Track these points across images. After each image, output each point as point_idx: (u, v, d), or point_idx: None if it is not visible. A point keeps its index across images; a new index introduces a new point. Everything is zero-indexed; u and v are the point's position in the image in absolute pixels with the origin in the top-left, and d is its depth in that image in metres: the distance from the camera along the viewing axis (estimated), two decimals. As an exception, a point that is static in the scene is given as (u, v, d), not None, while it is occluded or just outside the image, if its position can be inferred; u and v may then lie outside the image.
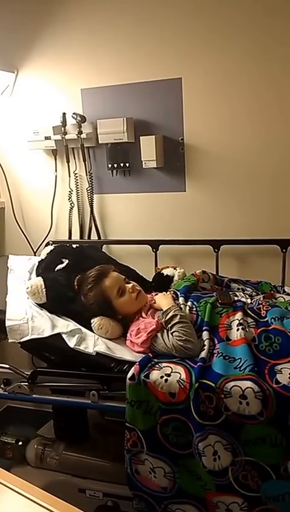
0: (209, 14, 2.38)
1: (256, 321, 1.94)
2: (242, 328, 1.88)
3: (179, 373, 1.73)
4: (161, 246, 2.67)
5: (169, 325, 1.90)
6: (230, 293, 2.18)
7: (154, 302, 2.10)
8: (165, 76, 2.53)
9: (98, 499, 2.16)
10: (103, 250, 2.75)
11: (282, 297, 2.20)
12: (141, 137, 2.56)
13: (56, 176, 2.87)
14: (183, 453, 1.74)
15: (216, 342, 1.87)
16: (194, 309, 2.02)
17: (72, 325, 2.06)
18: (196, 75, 2.48)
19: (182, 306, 2.02)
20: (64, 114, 2.67)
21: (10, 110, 2.90)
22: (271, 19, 2.30)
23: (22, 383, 2.03)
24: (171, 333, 1.87)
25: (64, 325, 2.05)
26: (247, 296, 2.19)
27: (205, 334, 1.89)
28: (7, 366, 2.06)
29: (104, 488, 2.17)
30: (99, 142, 2.65)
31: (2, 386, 2.07)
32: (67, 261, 2.34)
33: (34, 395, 2.04)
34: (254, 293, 2.28)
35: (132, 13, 2.51)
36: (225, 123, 2.49)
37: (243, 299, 2.12)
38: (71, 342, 1.96)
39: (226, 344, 1.85)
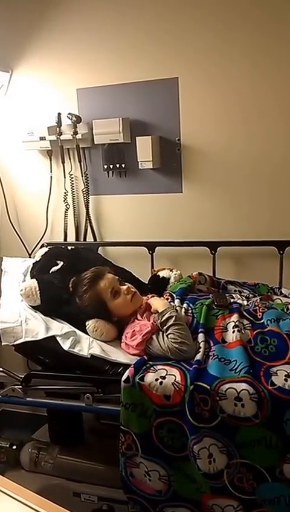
0: (206, 13, 2.37)
1: (252, 323, 1.93)
2: (238, 330, 1.86)
3: (174, 375, 1.72)
4: (157, 248, 2.65)
5: (164, 327, 1.88)
6: (226, 295, 2.18)
7: (150, 305, 2.09)
8: (162, 76, 2.52)
9: (93, 503, 2.15)
10: (98, 252, 2.73)
11: (279, 299, 2.19)
12: (137, 138, 2.55)
13: (51, 176, 2.85)
14: (179, 455, 1.73)
15: (212, 344, 1.86)
16: (190, 311, 2.01)
17: (66, 327, 2.05)
18: (192, 75, 2.47)
19: (177, 308, 2.01)
20: (59, 114, 2.66)
21: (4, 110, 2.88)
22: (269, 20, 2.29)
23: (15, 386, 2.01)
24: (167, 335, 1.86)
25: (59, 328, 2.04)
26: (243, 298, 2.18)
27: (201, 336, 1.88)
28: (1, 369, 2.04)
29: (99, 492, 2.15)
30: (95, 142, 2.64)
31: (-5, 389, 2.06)
32: (62, 263, 2.33)
33: (27, 398, 2.03)
34: (251, 295, 2.27)
35: (128, 13, 2.50)
36: (222, 123, 2.48)
37: (240, 301, 2.11)
38: (65, 345, 1.95)
39: (221, 346, 1.84)
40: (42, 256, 2.43)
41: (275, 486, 1.64)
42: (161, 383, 1.70)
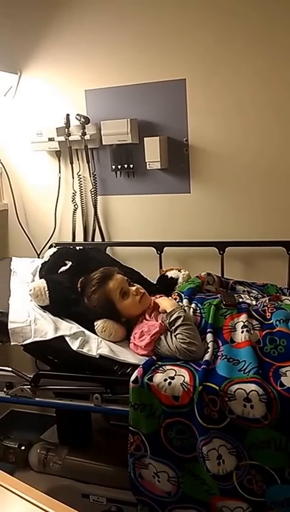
0: (214, 14, 2.37)
1: (261, 323, 1.91)
2: (247, 330, 1.85)
3: (183, 376, 1.71)
4: (165, 248, 2.65)
5: (173, 327, 1.88)
6: (235, 295, 2.16)
7: (158, 305, 2.08)
8: (169, 77, 2.52)
9: (101, 505, 2.14)
10: (106, 252, 2.73)
11: (288, 299, 2.18)
12: (145, 139, 2.55)
13: (60, 177, 2.85)
14: (187, 457, 1.72)
15: (220, 344, 1.85)
16: (198, 311, 2.00)
17: (75, 327, 2.05)
18: (200, 76, 2.47)
19: (186, 308, 2.00)
20: (67, 115, 2.66)
21: (13, 111, 2.90)
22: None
23: (24, 386, 2.01)
24: (175, 336, 1.85)
25: (68, 328, 2.04)
26: (252, 299, 2.17)
27: (209, 337, 1.87)
28: (9, 369, 2.04)
29: (108, 493, 2.14)
30: (103, 143, 2.64)
31: (4, 389, 2.06)
32: (70, 263, 2.33)
33: (36, 399, 2.02)
34: (259, 295, 2.26)
35: (136, 14, 2.51)
36: (229, 124, 2.47)
37: (248, 301, 2.10)
38: (74, 345, 1.94)
39: (230, 346, 1.83)
40: (51, 256, 2.43)
41: (285, 488, 1.63)
42: (169, 383, 1.69)
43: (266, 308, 2.00)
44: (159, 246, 2.66)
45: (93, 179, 2.77)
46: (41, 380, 2.00)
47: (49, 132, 2.70)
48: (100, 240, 2.86)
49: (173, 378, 1.71)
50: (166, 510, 1.81)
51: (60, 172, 2.85)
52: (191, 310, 2.01)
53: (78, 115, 2.63)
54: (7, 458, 2.36)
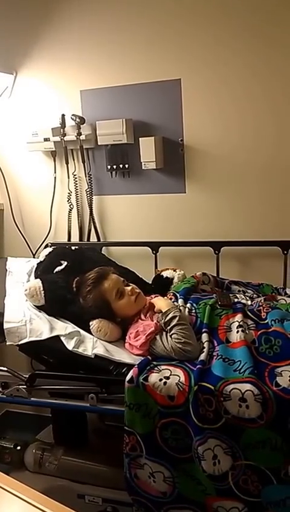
0: (209, 14, 2.37)
1: (256, 323, 1.92)
2: (242, 330, 1.85)
3: (178, 376, 1.71)
4: (160, 248, 2.65)
5: (168, 327, 1.88)
6: (230, 295, 2.17)
7: (153, 304, 2.08)
8: (165, 77, 2.52)
9: (97, 505, 2.14)
10: (102, 252, 2.73)
11: (283, 299, 2.18)
12: (140, 139, 2.55)
13: (55, 177, 2.85)
14: (183, 457, 1.72)
15: (215, 344, 1.85)
16: (194, 311, 2.00)
17: (70, 327, 2.05)
18: (195, 76, 2.46)
19: (181, 308, 2.00)
20: (63, 115, 2.66)
21: (9, 111, 2.89)
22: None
23: (20, 386, 2.01)
24: (170, 335, 1.85)
25: (63, 328, 2.04)
26: (247, 298, 2.17)
27: (205, 336, 1.87)
28: (5, 369, 2.04)
29: (103, 494, 2.14)
30: (99, 143, 2.63)
31: (0, 389, 2.05)
32: (66, 263, 2.33)
33: (32, 399, 2.02)
34: (255, 295, 2.26)
35: (131, 14, 2.50)
36: (224, 123, 2.47)
37: (244, 301, 2.10)
38: (69, 345, 1.94)
39: (225, 346, 1.83)
40: (46, 256, 2.43)
41: (280, 488, 1.63)
42: (165, 383, 1.69)
43: (261, 308, 2.01)
44: (155, 246, 2.65)
45: (89, 179, 2.77)
46: (36, 380, 2.00)
47: (45, 132, 2.70)
48: (96, 240, 2.86)
49: (168, 378, 1.70)
50: (162, 510, 1.81)
51: (55, 172, 2.85)
52: (187, 309, 2.01)
53: (73, 115, 2.62)
54: (3, 458, 2.36)
